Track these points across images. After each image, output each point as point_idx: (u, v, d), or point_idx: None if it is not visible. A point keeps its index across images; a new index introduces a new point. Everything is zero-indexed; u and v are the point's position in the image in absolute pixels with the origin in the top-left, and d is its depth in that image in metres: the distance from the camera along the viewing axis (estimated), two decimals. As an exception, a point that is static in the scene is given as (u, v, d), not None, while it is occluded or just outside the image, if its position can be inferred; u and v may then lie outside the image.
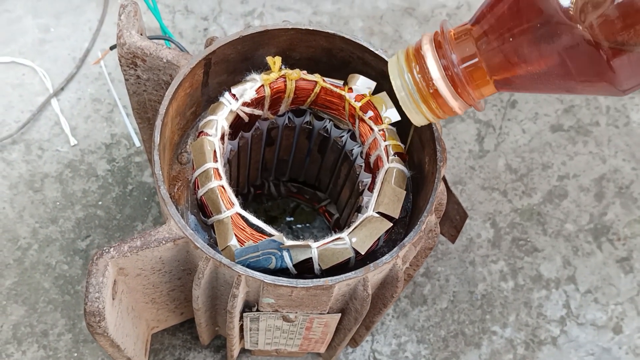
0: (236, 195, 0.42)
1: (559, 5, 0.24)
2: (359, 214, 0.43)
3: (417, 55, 0.31)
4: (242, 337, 0.49)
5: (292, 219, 0.63)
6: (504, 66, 0.29)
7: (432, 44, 0.31)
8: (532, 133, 0.70)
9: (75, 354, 0.57)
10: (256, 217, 0.41)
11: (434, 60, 0.31)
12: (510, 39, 0.27)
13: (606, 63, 0.24)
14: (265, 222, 0.41)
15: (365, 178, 0.47)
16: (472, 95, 0.31)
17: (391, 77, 0.32)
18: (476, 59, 0.30)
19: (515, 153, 0.69)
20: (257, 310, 0.43)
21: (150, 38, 0.50)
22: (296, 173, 0.59)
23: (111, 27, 0.71)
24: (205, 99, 0.47)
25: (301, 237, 0.63)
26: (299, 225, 0.63)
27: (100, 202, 0.63)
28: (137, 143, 0.65)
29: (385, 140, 0.44)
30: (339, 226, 0.59)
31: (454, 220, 0.52)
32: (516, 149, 0.69)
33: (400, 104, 0.32)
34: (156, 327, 0.55)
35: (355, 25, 0.74)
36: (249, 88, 0.44)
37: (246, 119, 0.46)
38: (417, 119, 0.33)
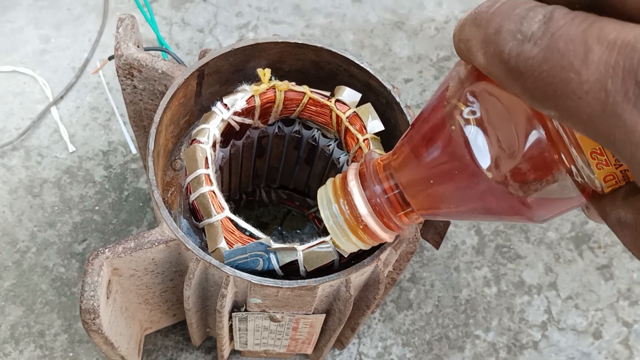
0: (228, 202, 0.44)
1: (474, 159, 0.25)
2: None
3: (343, 190, 0.32)
4: (231, 337, 0.51)
5: (280, 227, 0.65)
6: (425, 202, 0.29)
7: (358, 178, 0.31)
8: (516, 144, 0.72)
9: (71, 354, 0.58)
10: (247, 222, 0.43)
11: (360, 196, 0.31)
12: (430, 183, 0.28)
13: (521, 205, 0.26)
14: (257, 227, 0.44)
15: (351, 185, 0.50)
16: (399, 224, 0.31)
17: (320, 208, 0.32)
18: (397, 191, 0.30)
19: (500, 163, 0.71)
20: (246, 310, 0.44)
21: (147, 49, 0.52)
22: (286, 180, 0.61)
23: (110, 38, 0.73)
24: (198, 108, 0.49)
25: (291, 242, 0.65)
26: (289, 231, 0.65)
27: (97, 207, 0.65)
28: (134, 150, 0.67)
29: (369, 149, 0.46)
30: (327, 232, 0.61)
31: (437, 226, 0.54)
32: (501, 159, 0.71)
33: (330, 232, 0.33)
34: (149, 328, 0.57)
35: (347, 38, 0.77)
36: (240, 98, 0.46)
37: (237, 127, 0.48)
38: (349, 248, 0.33)
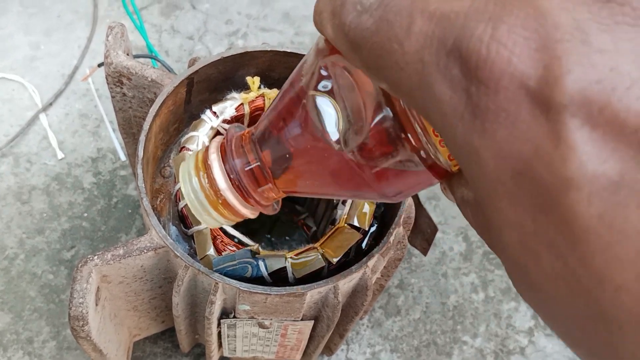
0: (216, 208, 0.45)
1: (325, 134, 0.26)
2: (332, 226, 0.46)
3: (204, 164, 0.31)
4: (220, 344, 0.51)
5: (269, 234, 0.66)
6: (282, 175, 0.29)
7: (219, 151, 0.31)
8: (503, 151, 0.73)
9: (59, 361, 0.58)
10: (235, 229, 0.44)
11: (220, 170, 0.30)
12: (286, 157, 0.28)
13: (371, 180, 0.26)
14: (246, 234, 0.44)
15: (340, 192, 0.50)
16: (259, 201, 0.31)
17: (180, 183, 0.32)
18: (256, 165, 0.30)
19: (488, 170, 0.72)
20: (234, 317, 0.45)
21: (137, 57, 0.52)
22: (276, 187, 0.61)
23: (99, 45, 0.73)
24: (187, 115, 0.50)
25: (280, 249, 0.65)
26: (278, 238, 0.65)
27: (85, 214, 0.65)
28: (123, 157, 0.67)
29: (357, 157, 0.47)
30: (316, 238, 0.62)
31: (425, 233, 0.55)
32: (488, 166, 0.72)
33: (190, 208, 0.32)
34: (138, 334, 0.57)
35: (336, 46, 0.77)
36: (229, 106, 0.46)
37: (226, 135, 0.48)
38: (212, 223, 0.33)
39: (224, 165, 0.30)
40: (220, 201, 0.31)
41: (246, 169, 0.30)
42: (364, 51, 0.20)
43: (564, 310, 0.18)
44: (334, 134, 0.25)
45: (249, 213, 0.31)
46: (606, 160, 0.17)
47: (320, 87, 0.25)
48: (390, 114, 0.24)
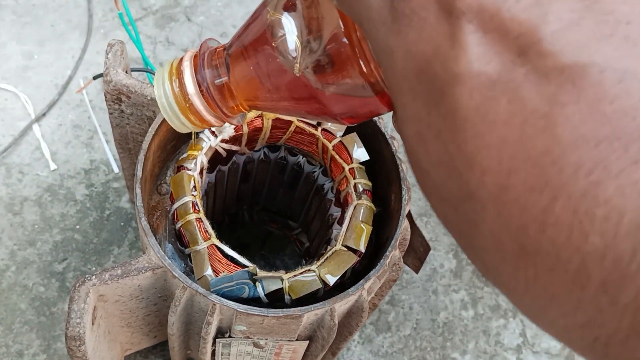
0: (212, 224, 0.45)
1: (285, 49, 0.28)
2: (328, 246, 0.46)
3: (177, 70, 0.34)
4: (213, 361, 0.51)
5: (262, 250, 0.66)
6: (245, 89, 0.32)
7: (192, 61, 0.33)
8: (494, 169, 0.73)
9: (49, 375, 0.58)
10: (230, 244, 0.44)
11: (190, 77, 0.33)
12: (249, 68, 0.31)
13: (322, 97, 0.29)
14: (239, 248, 0.44)
15: (335, 212, 0.50)
16: (224, 111, 0.33)
17: (154, 86, 0.34)
18: (224, 79, 0.32)
19: (478, 187, 0.72)
20: (230, 336, 0.45)
21: (134, 70, 0.53)
22: (270, 203, 0.62)
23: (93, 55, 0.73)
24: (185, 133, 0.50)
25: (273, 264, 0.65)
26: (271, 253, 0.66)
27: (77, 226, 0.64)
28: (116, 169, 0.67)
29: (354, 178, 0.47)
30: (309, 254, 0.62)
31: (417, 252, 0.56)
32: (479, 184, 0.73)
33: (161, 111, 0.35)
34: (130, 349, 0.57)
35: (330, 61, 0.78)
36: (227, 126, 0.47)
37: (224, 154, 0.48)
38: (179, 128, 0.35)
39: (195, 74, 0.33)
40: (187, 105, 0.33)
41: (216, 82, 0.32)
42: None
43: (444, 193, 0.21)
44: (292, 47, 0.28)
45: (214, 120, 0.34)
46: (490, 62, 0.19)
47: (283, 3, 0.28)
48: (343, 33, 0.26)
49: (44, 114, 0.69)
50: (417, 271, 0.57)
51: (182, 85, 0.33)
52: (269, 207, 0.62)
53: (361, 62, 0.26)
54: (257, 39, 0.30)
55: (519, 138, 0.18)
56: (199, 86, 0.33)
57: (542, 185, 0.18)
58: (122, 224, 0.65)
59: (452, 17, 0.19)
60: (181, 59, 0.34)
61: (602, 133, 0.17)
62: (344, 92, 0.28)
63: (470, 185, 0.20)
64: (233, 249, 0.44)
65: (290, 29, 0.28)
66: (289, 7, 0.28)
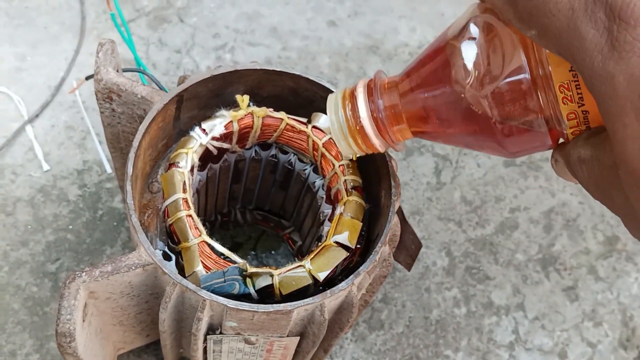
0: (204, 223, 0.45)
1: (464, 75, 0.30)
2: (319, 243, 0.46)
3: (351, 96, 0.37)
4: (205, 358, 0.51)
5: (255, 249, 0.66)
6: (418, 119, 0.34)
7: (365, 89, 0.36)
8: (486, 167, 0.74)
9: (42, 375, 0.58)
10: (222, 243, 0.44)
11: (364, 102, 0.36)
12: (424, 99, 0.33)
13: (495, 129, 0.30)
14: (232, 248, 0.44)
15: (326, 209, 0.51)
16: (392, 138, 0.36)
17: (327, 111, 0.37)
18: (398, 108, 0.35)
19: (471, 186, 0.73)
20: (221, 333, 0.45)
21: (125, 70, 0.53)
22: (262, 202, 0.62)
23: (86, 57, 0.74)
24: (176, 131, 0.50)
25: (265, 263, 0.65)
26: (264, 252, 0.66)
27: (70, 227, 0.64)
28: (109, 170, 0.67)
29: (344, 175, 0.47)
30: (301, 253, 0.62)
31: (409, 249, 0.56)
32: (471, 182, 0.73)
33: (332, 135, 0.38)
34: (122, 348, 0.57)
35: (322, 61, 0.78)
36: (218, 123, 0.47)
37: (215, 152, 0.49)
38: (345, 150, 0.38)
39: (369, 101, 0.36)
40: (358, 127, 0.36)
41: (388, 110, 0.35)
42: (519, 4, 0.26)
43: None
44: (470, 74, 0.30)
45: (379, 145, 0.37)
46: None
47: (465, 38, 0.30)
48: (525, 65, 0.28)
49: (37, 115, 0.69)
50: (409, 269, 0.57)
51: (354, 109, 0.36)
52: (261, 206, 0.63)
53: (540, 94, 0.28)
54: (434, 69, 0.32)
55: None
56: (371, 112, 0.36)
57: None
58: (115, 224, 0.65)
59: None
60: (354, 88, 0.37)
61: None
62: (519, 124, 0.30)
63: None
64: (224, 247, 0.45)
65: (469, 56, 0.30)
66: (470, 39, 0.30)
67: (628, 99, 0.23)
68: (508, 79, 0.29)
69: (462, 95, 0.30)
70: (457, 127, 0.32)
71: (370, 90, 0.36)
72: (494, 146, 0.31)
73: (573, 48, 0.24)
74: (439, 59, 0.32)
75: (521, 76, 0.28)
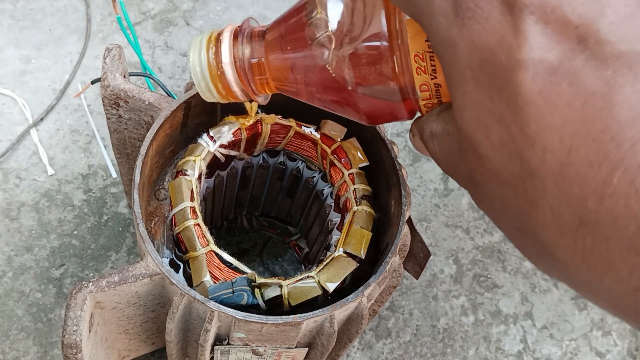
0: (210, 230, 0.44)
1: (322, 34, 0.29)
2: (328, 252, 0.46)
3: (216, 40, 0.35)
4: (212, 368, 0.51)
5: (261, 255, 0.65)
6: (279, 72, 0.33)
7: (232, 34, 0.35)
8: (494, 174, 0.73)
9: (46, 382, 0.58)
10: (228, 249, 0.44)
11: (228, 47, 0.34)
12: (286, 53, 0.32)
13: (353, 94, 0.29)
14: (238, 254, 0.44)
15: (335, 217, 0.50)
16: (253, 88, 0.35)
17: (190, 51, 0.36)
18: (260, 59, 0.33)
19: (478, 192, 0.72)
20: (228, 343, 0.44)
21: (132, 74, 0.52)
22: (269, 208, 0.61)
23: (92, 60, 0.73)
24: (183, 138, 0.49)
25: (271, 269, 0.65)
26: (270, 259, 0.65)
27: (75, 232, 0.64)
28: (114, 174, 0.67)
29: (354, 184, 0.47)
30: (308, 260, 0.62)
31: (418, 257, 0.55)
32: (479, 189, 0.72)
33: (192, 77, 0.36)
34: (127, 356, 0.56)
35: (329, 66, 0.77)
36: (226, 131, 0.46)
37: (223, 159, 0.48)
38: (205, 94, 0.37)
39: (233, 47, 0.34)
40: (219, 73, 0.35)
41: (252, 60, 0.34)
42: None
43: (504, 175, 0.22)
44: (334, 25, 0.29)
45: (240, 93, 0.36)
46: (551, 49, 0.21)
47: None
48: (385, 31, 0.28)
49: (41, 119, 0.69)
50: (417, 277, 0.56)
51: (217, 53, 0.34)
52: (267, 212, 0.62)
53: (395, 60, 0.27)
54: (299, 23, 0.31)
55: (579, 117, 0.20)
56: (234, 58, 0.34)
57: (601, 159, 0.20)
58: (120, 229, 0.65)
59: (514, 10, 0.21)
60: (221, 31, 0.35)
61: None
62: (373, 90, 0.29)
63: (532, 164, 0.21)
64: (232, 255, 0.44)
65: (332, 14, 0.29)
66: None
67: (468, 67, 0.23)
68: (366, 43, 0.28)
69: (322, 54, 0.29)
70: (316, 86, 0.31)
71: (236, 36, 0.35)
72: (351, 111, 0.30)
73: (423, 12, 0.24)
74: (305, 14, 0.31)
75: (378, 42, 0.28)
